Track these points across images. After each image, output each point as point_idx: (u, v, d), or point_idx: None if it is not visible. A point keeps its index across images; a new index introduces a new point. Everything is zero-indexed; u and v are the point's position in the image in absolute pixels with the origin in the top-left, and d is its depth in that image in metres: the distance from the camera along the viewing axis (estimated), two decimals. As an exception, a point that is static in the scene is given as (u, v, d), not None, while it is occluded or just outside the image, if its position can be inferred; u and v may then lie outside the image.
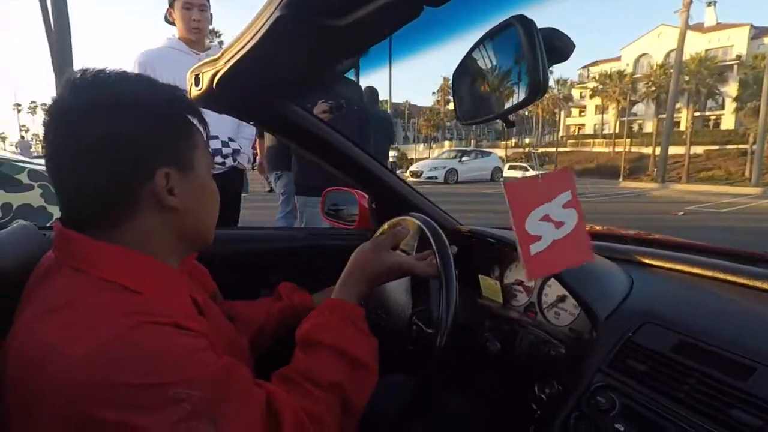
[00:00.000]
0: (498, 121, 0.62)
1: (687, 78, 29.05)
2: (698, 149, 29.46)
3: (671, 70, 22.53)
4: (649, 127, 37.73)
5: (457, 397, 0.94)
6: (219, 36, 37.52)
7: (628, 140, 32.75)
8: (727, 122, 37.41)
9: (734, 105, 31.17)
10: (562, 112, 50.55)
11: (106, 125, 0.50)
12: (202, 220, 0.62)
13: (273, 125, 1.00)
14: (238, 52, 0.60)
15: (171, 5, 2.20)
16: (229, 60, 0.64)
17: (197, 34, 2.21)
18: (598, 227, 1.38)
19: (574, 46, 0.55)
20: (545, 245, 0.60)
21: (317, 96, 2.13)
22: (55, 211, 2.25)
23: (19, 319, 0.48)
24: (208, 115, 0.64)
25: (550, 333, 0.81)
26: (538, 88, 0.51)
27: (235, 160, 2.34)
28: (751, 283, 0.75)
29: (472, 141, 51.33)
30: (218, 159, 2.23)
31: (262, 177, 3.73)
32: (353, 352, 0.62)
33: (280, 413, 0.50)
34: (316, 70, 0.69)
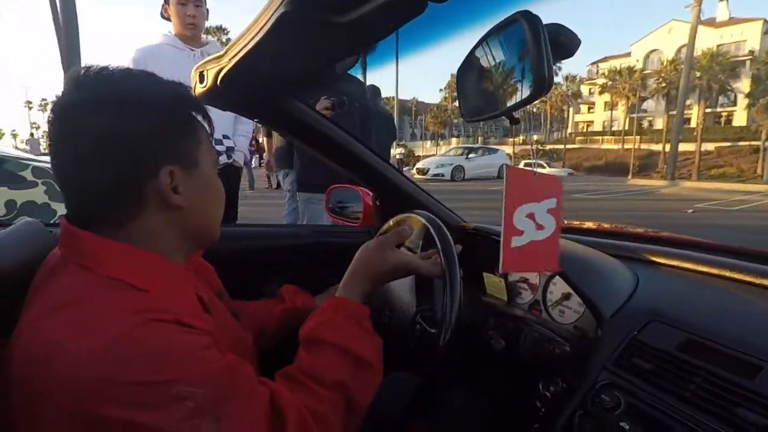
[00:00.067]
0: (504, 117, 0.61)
1: (698, 74, 28.69)
2: (709, 146, 29.15)
3: (682, 66, 22.22)
4: (660, 123, 37.31)
5: (461, 395, 0.94)
6: (226, 33, 37.62)
7: (638, 137, 32.42)
8: (739, 119, 36.91)
9: (746, 101, 30.76)
10: (571, 109, 50.13)
11: (109, 123, 0.50)
12: (207, 218, 0.62)
13: (277, 122, 1.00)
14: (242, 48, 0.60)
15: (166, 1, 2.20)
16: (233, 57, 0.64)
17: (192, 29, 2.19)
18: (606, 225, 1.37)
19: (579, 42, 0.55)
20: (524, 242, 0.62)
21: (320, 92, 2.13)
22: (59, 208, 2.26)
23: (25, 316, 0.48)
24: None
25: (554, 331, 0.81)
26: (542, 85, 0.51)
27: (230, 157, 2.33)
28: (758, 281, 0.74)
29: (479, 138, 51.08)
30: None
31: (264, 175, 3.77)
32: (357, 351, 0.62)
33: (284, 412, 0.50)
34: (321, 67, 0.69)
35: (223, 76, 0.69)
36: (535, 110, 53.09)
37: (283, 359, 0.64)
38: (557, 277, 0.85)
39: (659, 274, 0.86)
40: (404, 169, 21.37)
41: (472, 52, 0.60)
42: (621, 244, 0.99)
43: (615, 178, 22.21)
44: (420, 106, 67.26)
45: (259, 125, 2.49)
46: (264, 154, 3.30)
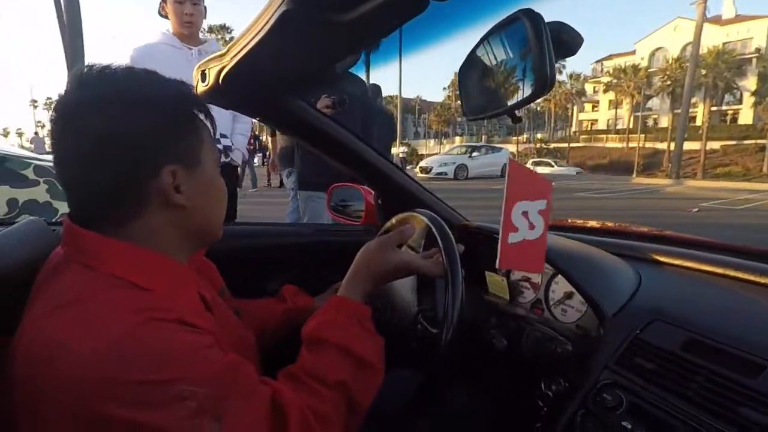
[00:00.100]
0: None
1: (704, 72, 28.52)
2: (715, 144, 28.99)
3: (688, 64, 22.09)
4: (665, 122, 37.13)
5: (464, 394, 0.94)
6: (230, 32, 37.66)
7: (642, 135, 32.26)
8: (745, 117, 36.65)
9: (752, 99, 30.54)
10: (575, 107, 49.96)
11: (110, 123, 0.50)
12: (209, 217, 0.61)
13: (279, 121, 1.00)
14: (244, 47, 0.60)
15: None
16: (235, 56, 0.64)
17: (190, 28, 2.18)
18: (609, 224, 1.37)
19: (582, 40, 0.54)
20: (519, 239, 0.62)
21: (321, 91, 2.13)
22: (61, 207, 2.26)
23: (28, 315, 0.48)
24: None
25: (556, 330, 0.80)
26: (544, 83, 0.51)
27: (227, 156, 2.33)
28: (762, 280, 0.74)
29: (483, 136, 50.97)
30: None
31: (265, 173, 3.80)
32: (359, 351, 0.62)
33: (286, 411, 0.50)
34: (322, 66, 0.69)
35: (225, 75, 0.69)
36: (539, 109, 52.99)
37: (283, 359, 0.64)
38: (559, 276, 0.84)
39: (662, 273, 0.86)
40: (407, 167, 21.37)
41: (473, 51, 0.59)
42: (623, 242, 0.99)
43: (619, 176, 22.10)
44: (424, 104, 67.24)
45: (263, 124, 2.48)
46: (267, 153, 3.31)
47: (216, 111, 0.84)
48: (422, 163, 18.85)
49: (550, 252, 0.82)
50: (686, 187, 16.83)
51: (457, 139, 49.53)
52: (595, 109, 50.80)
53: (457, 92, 0.68)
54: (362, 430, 0.63)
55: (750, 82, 32.61)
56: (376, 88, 3.38)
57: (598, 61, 50.67)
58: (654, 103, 41.50)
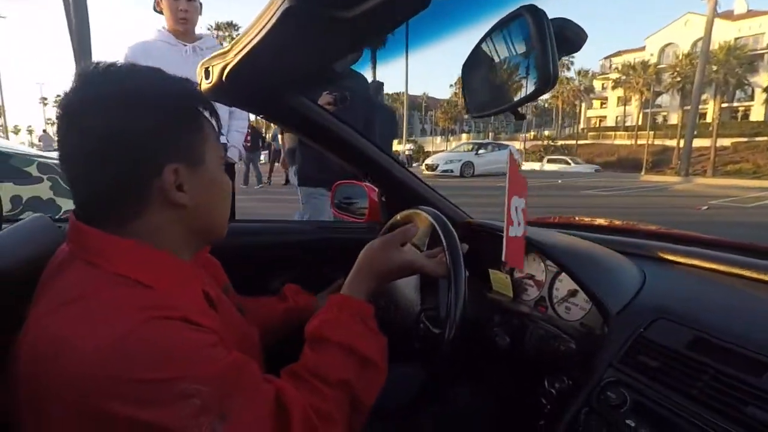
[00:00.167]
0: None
1: (715, 68, 28.15)
2: (725, 141, 28.64)
3: (698, 60, 21.80)
4: (674, 118, 36.71)
5: (467, 392, 0.94)
6: (237, 29, 37.73)
7: (652, 132, 31.93)
8: (757, 113, 36.12)
9: (764, 95, 30.10)
10: (583, 104, 49.54)
11: (113, 121, 0.50)
12: (213, 215, 0.61)
13: (282, 118, 1.01)
14: (247, 44, 0.60)
15: None
16: (238, 53, 0.64)
17: (185, 24, 2.18)
18: (617, 222, 1.36)
19: (586, 37, 0.54)
20: (514, 233, 0.62)
21: (324, 87, 2.13)
22: (65, 204, 2.27)
23: (32, 312, 0.48)
24: None
25: (560, 328, 0.80)
26: (548, 80, 0.50)
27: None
28: None
29: (490, 133, 50.74)
30: None
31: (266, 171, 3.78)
32: (362, 350, 0.62)
33: (289, 409, 0.50)
34: (326, 62, 0.69)
35: (228, 72, 0.69)
36: (546, 105, 52.65)
37: (284, 357, 0.64)
38: (563, 273, 0.84)
39: (667, 270, 0.85)
40: (414, 165, 21.31)
41: (477, 48, 0.59)
42: (628, 240, 0.98)
43: (627, 174, 21.89)
44: (430, 101, 67.08)
45: (268, 122, 2.48)
46: (271, 149, 3.31)
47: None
48: (428, 161, 18.72)
49: (553, 249, 0.82)
50: (696, 184, 16.62)
51: (464, 136, 49.35)
52: (604, 105, 50.36)
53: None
54: (365, 429, 0.63)
55: (762, 79, 32.19)
56: (378, 85, 3.37)
57: (606, 58, 50.19)
58: (663, 99, 41.06)
